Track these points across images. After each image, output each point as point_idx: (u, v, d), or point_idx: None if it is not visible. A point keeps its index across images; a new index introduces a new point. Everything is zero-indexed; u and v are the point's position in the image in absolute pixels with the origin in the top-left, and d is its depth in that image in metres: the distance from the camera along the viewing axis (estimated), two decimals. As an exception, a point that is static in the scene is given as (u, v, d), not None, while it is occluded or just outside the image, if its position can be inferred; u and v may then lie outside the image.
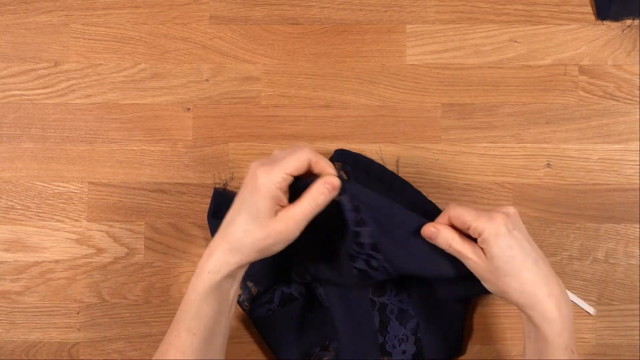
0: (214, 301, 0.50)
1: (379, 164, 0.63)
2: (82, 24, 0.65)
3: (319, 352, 0.60)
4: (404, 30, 0.64)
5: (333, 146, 0.63)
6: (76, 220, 0.64)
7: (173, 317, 0.63)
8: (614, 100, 0.63)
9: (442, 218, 0.52)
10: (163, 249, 0.63)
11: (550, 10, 0.64)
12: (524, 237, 0.50)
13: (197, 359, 0.50)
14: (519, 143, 0.63)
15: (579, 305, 0.61)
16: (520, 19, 0.64)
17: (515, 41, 0.64)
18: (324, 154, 0.63)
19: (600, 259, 0.62)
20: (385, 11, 0.64)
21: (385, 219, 0.52)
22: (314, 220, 0.50)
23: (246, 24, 0.64)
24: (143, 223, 0.63)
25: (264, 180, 0.48)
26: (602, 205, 0.63)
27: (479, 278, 0.51)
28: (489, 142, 0.63)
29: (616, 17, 0.63)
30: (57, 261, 0.63)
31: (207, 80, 0.64)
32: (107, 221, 0.64)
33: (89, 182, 0.64)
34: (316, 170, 0.50)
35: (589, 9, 0.64)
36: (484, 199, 0.63)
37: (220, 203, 0.62)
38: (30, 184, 0.64)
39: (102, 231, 0.63)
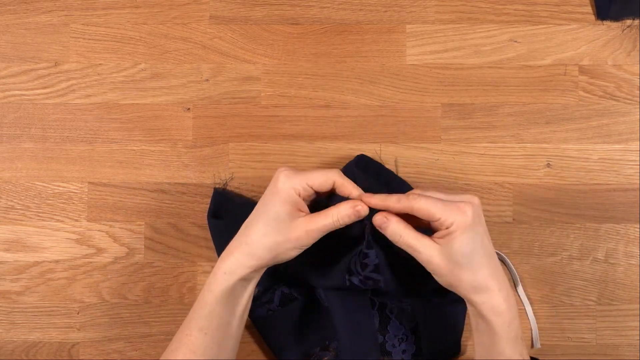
0: (228, 303, 0.50)
1: (397, 176, 0.62)
2: (82, 24, 0.65)
3: (319, 352, 0.60)
4: (404, 30, 0.64)
5: (333, 146, 0.63)
6: (76, 220, 0.64)
7: (173, 317, 0.63)
8: (614, 100, 0.63)
9: (401, 206, 0.49)
10: (163, 249, 0.63)
11: (550, 10, 0.64)
12: (484, 231, 0.49)
13: (208, 359, 0.50)
14: (519, 143, 0.63)
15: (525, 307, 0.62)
16: (520, 19, 0.64)
17: (515, 41, 0.64)
18: (324, 153, 0.63)
19: (600, 259, 0.62)
20: (385, 11, 0.64)
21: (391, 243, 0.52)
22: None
23: (246, 24, 0.64)
24: (143, 223, 0.63)
25: (284, 185, 0.49)
26: (602, 205, 0.63)
27: (430, 271, 0.49)
28: (489, 142, 0.63)
29: (616, 17, 0.63)
30: (57, 261, 0.63)
31: (207, 80, 0.64)
32: (107, 221, 0.64)
33: (89, 182, 0.64)
34: (341, 192, 0.51)
35: (589, 9, 0.64)
36: (484, 199, 0.63)
37: (220, 203, 0.62)
38: (30, 184, 0.64)
39: (102, 231, 0.63)
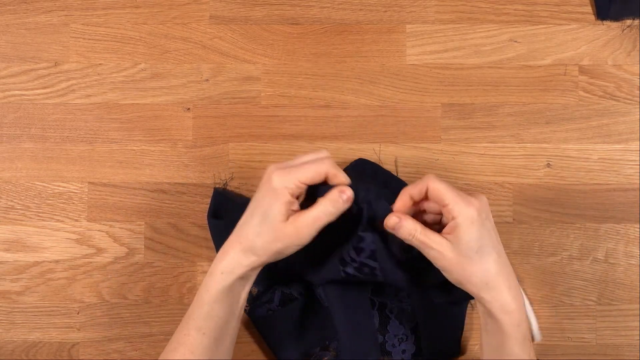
0: (226, 302, 0.50)
1: (396, 177, 0.62)
2: (82, 24, 0.65)
3: (319, 352, 0.60)
4: (404, 30, 0.64)
5: (333, 146, 0.63)
6: (76, 220, 0.64)
7: (173, 317, 0.63)
8: (614, 100, 0.63)
9: (418, 187, 0.49)
10: (163, 249, 0.63)
11: (550, 10, 0.64)
12: (493, 228, 0.49)
13: (206, 359, 0.50)
14: (519, 143, 0.63)
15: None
16: (520, 19, 0.64)
17: (515, 41, 0.64)
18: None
19: (600, 259, 0.62)
20: (385, 11, 0.64)
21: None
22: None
23: (246, 24, 0.64)
24: (143, 223, 0.63)
25: (277, 184, 0.48)
26: (602, 205, 0.63)
27: (440, 268, 0.49)
28: (489, 142, 0.63)
29: (616, 17, 0.63)
30: (57, 261, 0.63)
31: (207, 80, 0.64)
32: (107, 221, 0.64)
33: (89, 182, 0.64)
34: (333, 183, 0.50)
35: (589, 9, 0.64)
36: (484, 199, 0.63)
37: (220, 203, 0.62)
38: (30, 184, 0.64)
39: (102, 231, 0.64)
